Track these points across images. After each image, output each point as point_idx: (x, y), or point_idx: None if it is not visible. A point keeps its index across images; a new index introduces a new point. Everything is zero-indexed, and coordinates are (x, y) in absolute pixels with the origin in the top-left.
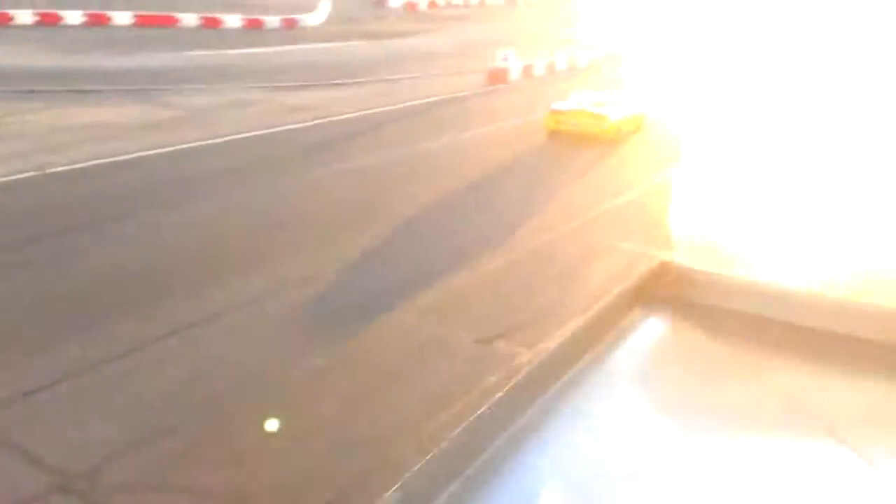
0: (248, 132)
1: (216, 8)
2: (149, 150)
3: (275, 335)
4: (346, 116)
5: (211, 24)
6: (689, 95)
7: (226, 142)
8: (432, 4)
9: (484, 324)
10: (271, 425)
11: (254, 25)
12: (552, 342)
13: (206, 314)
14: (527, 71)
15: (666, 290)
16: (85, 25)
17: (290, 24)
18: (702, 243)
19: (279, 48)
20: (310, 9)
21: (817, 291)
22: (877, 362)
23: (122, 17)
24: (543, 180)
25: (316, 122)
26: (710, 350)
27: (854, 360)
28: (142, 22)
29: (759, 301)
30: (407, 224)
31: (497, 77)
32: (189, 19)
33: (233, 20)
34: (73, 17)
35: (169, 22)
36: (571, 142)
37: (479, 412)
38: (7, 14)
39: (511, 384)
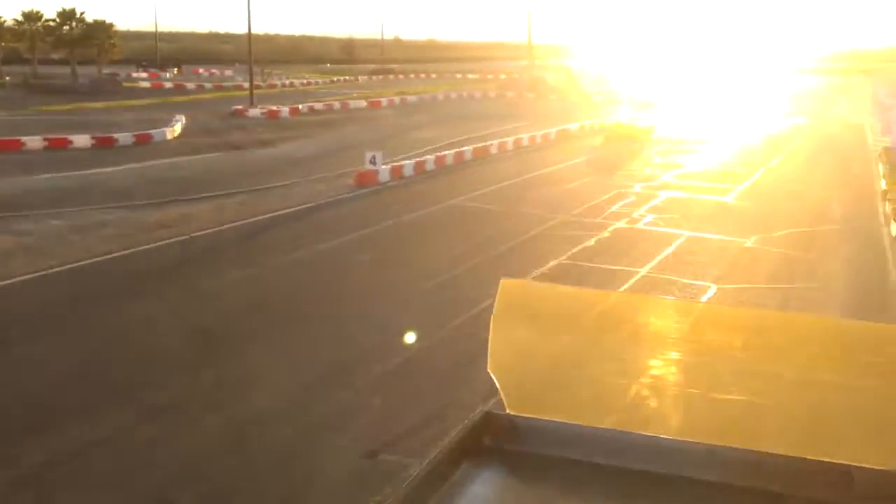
0: (103, 255)
1: (62, 129)
2: None
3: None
4: (207, 231)
5: (58, 145)
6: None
7: (78, 267)
8: (294, 111)
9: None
10: None
11: (105, 144)
12: None
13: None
14: (396, 172)
15: (492, 442)
16: None
17: (144, 140)
18: (527, 388)
19: (135, 165)
20: (165, 123)
21: (652, 435)
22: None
23: None
24: (420, 280)
25: (177, 238)
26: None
27: (677, 501)
28: None
29: (587, 447)
30: (281, 343)
31: (366, 179)
32: (34, 142)
33: (82, 140)
34: None
35: (12, 146)
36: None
37: None
38: None
39: None
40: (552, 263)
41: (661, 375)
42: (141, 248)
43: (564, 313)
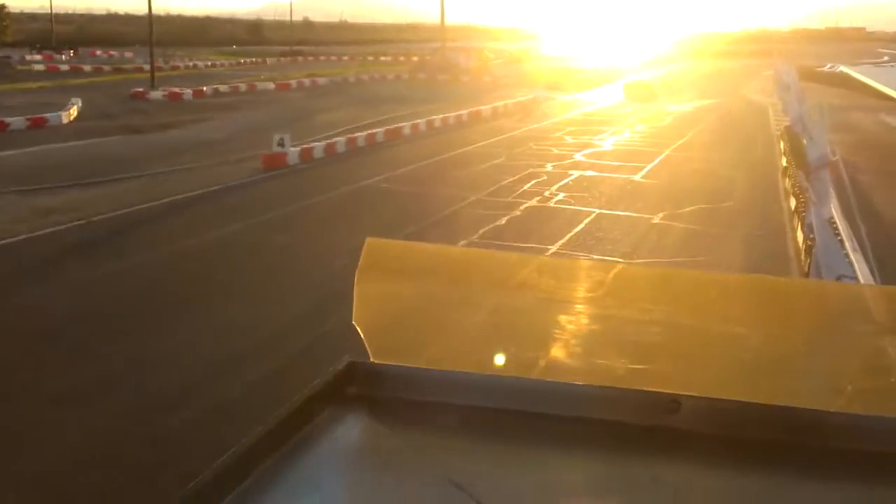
0: None
1: None
2: None
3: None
4: (103, 216)
5: None
6: None
7: None
8: (198, 93)
9: None
10: None
11: None
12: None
13: None
14: (306, 154)
15: (357, 390)
16: None
17: (39, 123)
18: (392, 340)
19: (29, 149)
20: (60, 107)
21: (514, 377)
22: (552, 437)
23: None
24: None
25: (72, 224)
26: (401, 448)
27: (532, 437)
28: None
29: (453, 391)
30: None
31: (274, 162)
32: None
33: None
34: None
35: None
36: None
37: None
38: None
39: None
40: (462, 243)
41: (531, 326)
42: (29, 235)
43: (432, 269)
